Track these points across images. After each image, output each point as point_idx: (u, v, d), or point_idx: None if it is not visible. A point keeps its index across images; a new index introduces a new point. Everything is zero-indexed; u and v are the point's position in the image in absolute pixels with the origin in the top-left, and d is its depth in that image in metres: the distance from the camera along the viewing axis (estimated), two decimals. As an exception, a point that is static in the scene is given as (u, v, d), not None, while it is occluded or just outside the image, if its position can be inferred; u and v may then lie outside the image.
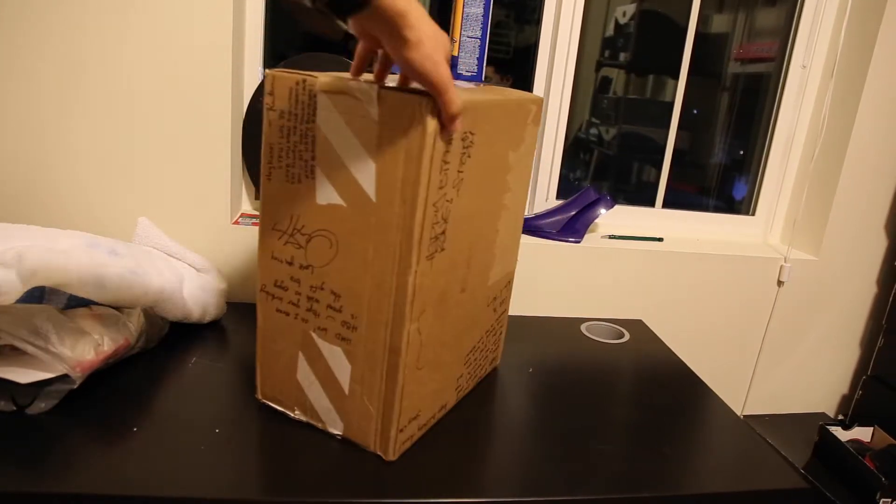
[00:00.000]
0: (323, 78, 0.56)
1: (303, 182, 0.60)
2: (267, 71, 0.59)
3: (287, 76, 0.58)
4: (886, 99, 1.22)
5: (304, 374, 0.66)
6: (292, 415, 0.69)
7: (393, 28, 0.51)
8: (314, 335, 0.63)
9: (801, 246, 1.34)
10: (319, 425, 0.67)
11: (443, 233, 0.59)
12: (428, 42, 0.52)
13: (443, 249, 0.60)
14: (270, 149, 0.61)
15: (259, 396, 0.71)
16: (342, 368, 0.62)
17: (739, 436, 0.78)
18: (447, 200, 0.58)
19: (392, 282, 0.57)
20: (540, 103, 0.74)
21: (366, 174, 0.55)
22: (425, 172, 0.53)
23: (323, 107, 0.56)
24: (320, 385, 0.65)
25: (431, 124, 0.52)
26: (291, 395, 0.68)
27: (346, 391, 0.63)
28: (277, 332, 0.67)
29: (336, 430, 0.66)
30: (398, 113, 0.52)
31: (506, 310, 0.82)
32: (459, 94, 0.53)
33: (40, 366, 0.64)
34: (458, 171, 0.58)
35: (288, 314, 0.65)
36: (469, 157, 0.59)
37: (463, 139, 0.57)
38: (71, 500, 0.55)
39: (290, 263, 0.63)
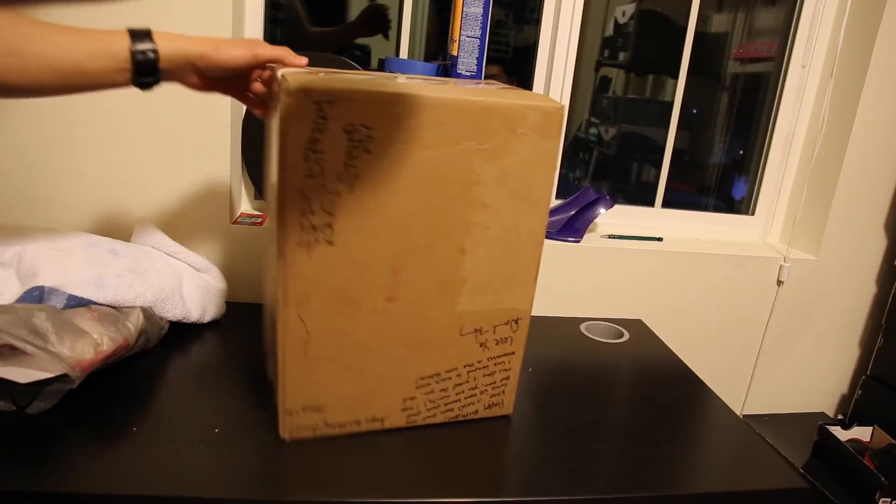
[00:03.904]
0: (277, 67, 0.61)
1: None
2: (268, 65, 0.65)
3: (271, 67, 0.63)
4: (886, 98, 1.22)
5: (269, 338, 0.71)
6: (268, 374, 0.74)
7: (200, 65, 0.61)
8: (272, 303, 0.68)
9: (801, 246, 1.34)
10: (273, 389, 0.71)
11: (328, 225, 0.58)
12: (223, 41, 0.62)
13: (331, 243, 0.59)
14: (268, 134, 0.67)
15: (264, 353, 0.78)
16: (276, 338, 0.65)
17: (739, 435, 0.78)
18: (329, 192, 0.57)
19: (276, 264, 0.60)
20: (549, 112, 0.62)
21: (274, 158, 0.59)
22: (282, 156, 0.55)
23: (275, 93, 0.60)
24: (272, 351, 0.68)
25: (285, 108, 0.53)
26: (268, 357, 0.74)
27: (275, 362, 0.67)
28: (268, 297, 0.73)
29: (275, 399, 0.68)
30: (277, 97, 0.56)
31: (512, 353, 0.72)
32: (353, 83, 0.56)
33: (40, 365, 0.64)
34: (348, 165, 0.57)
35: (267, 282, 0.71)
36: (368, 152, 0.57)
37: (348, 131, 0.55)
38: (70, 499, 0.55)
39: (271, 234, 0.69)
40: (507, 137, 0.62)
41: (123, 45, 0.58)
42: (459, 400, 0.72)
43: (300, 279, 0.59)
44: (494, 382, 0.73)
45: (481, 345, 0.70)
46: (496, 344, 0.71)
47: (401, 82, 0.62)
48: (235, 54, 0.62)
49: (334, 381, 0.65)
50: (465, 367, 0.71)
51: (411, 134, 0.58)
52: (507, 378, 0.74)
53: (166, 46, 0.60)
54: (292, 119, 0.54)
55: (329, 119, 0.54)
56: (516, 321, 0.71)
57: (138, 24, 0.60)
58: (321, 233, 0.58)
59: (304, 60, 0.65)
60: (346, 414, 0.67)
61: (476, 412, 0.74)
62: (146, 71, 0.59)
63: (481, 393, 0.73)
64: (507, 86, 0.71)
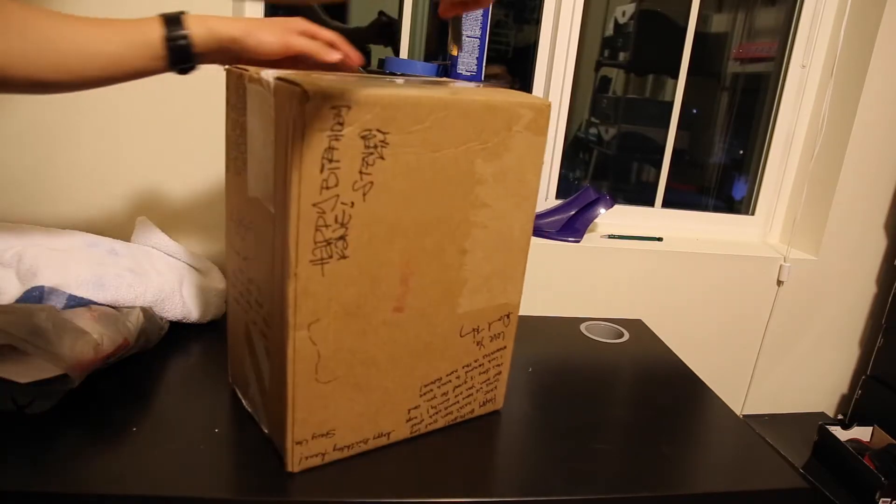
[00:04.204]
0: (254, 70, 0.57)
1: (241, 174, 0.60)
2: (225, 67, 0.61)
3: (234, 70, 0.59)
4: (886, 98, 1.22)
5: (247, 365, 0.67)
6: (244, 403, 0.70)
7: (233, 48, 0.60)
8: (250, 327, 0.64)
9: (801, 245, 1.34)
10: (258, 419, 0.67)
11: (341, 238, 0.55)
12: (256, 25, 0.60)
13: (344, 257, 0.56)
14: (228, 141, 0.63)
15: (230, 380, 0.75)
16: (265, 365, 0.62)
17: (739, 435, 0.78)
18: (343, 203, 0.54)
19: (281, 285, 0.56)
20: (540, 108, 0.63)
21: (270, 168, 0.54)
22: (296, 168, 0.50)
23: (249, 98, 0.57)
24: (255, 379, 0.66)
25: (300, 116, 0.49)
26: (243, 385, 0.70)
27: (267, 390, 0.63)
28: (233, 320, 0.70)
29: (265, 429, 0.66)
30: (281, 103, 0.51)
31: (504, 347, 0.73)
32: (367, 89, 0.52)
33: (40, 365, 0.64)
34: (363, 173, 0.54)
35: (238, 303, 0.67)
36: (382, 158, 0.54)
37: (364, 137, 0.52)
38: (70, 499, 0.55)
39: (238, 253, 0.65)
40: (505, 136, 0.62)
41: (157, 34, 0.58)
42: (458, 402, 0.72)
43: (313, 298, 0.55)
44: (488, 379, 0.74)
45: (478, 343, 0.70)
46: (490, 341, 0.71)
47: (405, 83, 0.61)
48: (267, 41, 0.60)
49: (343, 403, 0.62)
50: (463, 367, 0.70)
51: (422, 137, 0.56)
52: (500, 373, 0.75)
53: (198, 30, 0.59)
54: (308, 127, 0.49)
55: (346, 125, 0.51)
56: (508, 316, 0.72)
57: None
58: (334, 247, 0.55)
59: (337, 56, 0.62)
60: (355, 435, 0.64)
61: (472, 411, 0.74)
62: (181, 58, 0.59)
63: (477, 391, 0.73)
64: (484, 85, 0.72)
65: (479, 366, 0.72)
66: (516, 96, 0.63)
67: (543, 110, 0.63)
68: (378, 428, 0.66)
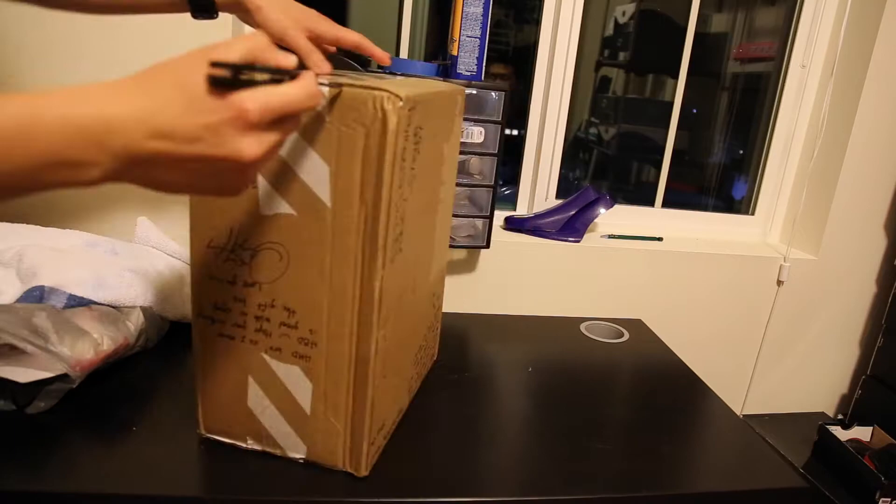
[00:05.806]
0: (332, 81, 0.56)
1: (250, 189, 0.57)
2: None
3: None
4: (886, 98, 1.22)
5: (256, 399, 0.61)
6: (244, 445, 0.63)
7: (243, 13, 0.64)
8: (266, 357, 0.59)
9: (801, 245, 1.34)
10: (278, 452, 0.62)
11: (401, 233, 0.57)
12: (271, 4, 0.62)
13: (401, 250, 0.58)
14: None
15: (202, 431, 0.64)
16: (302, 388, 0.59)
17: (739, 435, 0.78)
18: (403, 199, 0.55)
19: (354, 290, 0.55)
20: (463, 93, 0.72)
21: (318, 178, 0.52)
22: (388, 172, 0.51)
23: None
24: (276, 409, 0.61)
25: (393, 120, 0.49)
26: (242, 425, 0.62)
27: (308, 411, 0.60)
28: (221, 358, 0.61)
29: (298, 454, 0.62)
30: (354, 109, 0.50)
31: (441, 305, 0.83)
32: (404, 88, 0.53)
33: (40, 365, 0.64)
34: (412, 168, 0.56)
35: (234, 338, 0.59)
36: (419, 152, 0.57)
37: (415, 133, 0.55)
38: (70, 499, 0.55)
39: (233, 282, 0.57)
40: (452, 120, 0.70)
41: None
42: (426, 363, 0.80)
43: (387, 295, 0.56)
44: (434, 335, 0.83)
45: (433, 305, 0.79)
46: (437, 300, 0.81)
47: (401, 80, 0.65)
48: (271, 20, 0.62)
49: (389, 391, 0.64)
50: (427, 329, 0.78)
51: (433, 128, 0.61)
52: (438, 327, 0.85)
53: None
54: (395, 132, 0.50)
55: (411, 124, 0.53)
56: (443, 276, 0.81)
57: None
58: (399, 243, 0.57)
59: (386, 56, 0.70)
60: (388, 419, 0.65)
61: (427, 368, 0.82)
62: (201, 7, 0.64)
63: (430, 348, 0.82)
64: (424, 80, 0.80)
65: (433, 326, 0.81)
66: (446, 86, 0.70)
67: (462, 94, 0.73)
68: (399, 405, 0.70)
